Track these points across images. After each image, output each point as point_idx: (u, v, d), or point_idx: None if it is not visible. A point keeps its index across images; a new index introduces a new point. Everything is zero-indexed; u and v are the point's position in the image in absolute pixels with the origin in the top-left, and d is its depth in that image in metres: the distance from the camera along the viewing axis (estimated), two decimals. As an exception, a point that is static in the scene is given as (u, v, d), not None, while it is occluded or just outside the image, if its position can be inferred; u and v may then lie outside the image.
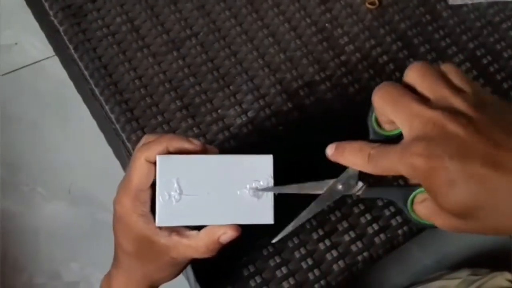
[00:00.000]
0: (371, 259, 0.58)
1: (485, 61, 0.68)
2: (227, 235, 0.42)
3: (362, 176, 0.41)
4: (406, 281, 0.80)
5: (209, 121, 0.62)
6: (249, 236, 0.57)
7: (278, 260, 0.57)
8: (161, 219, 0.41)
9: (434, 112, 0.33)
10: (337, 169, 0.41)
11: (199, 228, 0.43)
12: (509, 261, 0.77)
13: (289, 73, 0.65)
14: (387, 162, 0.36)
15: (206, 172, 0.42)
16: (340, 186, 0.42)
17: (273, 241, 0.43)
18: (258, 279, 0.56)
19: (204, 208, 0.41)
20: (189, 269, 0.58)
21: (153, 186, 0.42)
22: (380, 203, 0.59)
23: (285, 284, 0.56)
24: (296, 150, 0.59)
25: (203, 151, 0.43)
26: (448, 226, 0.36)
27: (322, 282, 0.56)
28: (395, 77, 0.66)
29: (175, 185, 0.41)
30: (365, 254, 0.58)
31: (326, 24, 0.68)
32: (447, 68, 0.37)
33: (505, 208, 0.32)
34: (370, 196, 0.42)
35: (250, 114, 0.62)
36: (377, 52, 0.67)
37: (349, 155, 0.39)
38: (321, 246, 0.57)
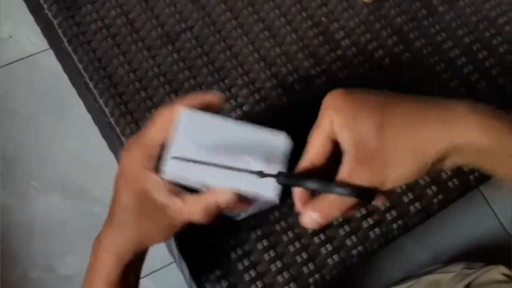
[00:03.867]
0: (366, 253, 0.58)
1: (480, 56, 0.68)
2: (224, 197, 0.42)
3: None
4: (400, 275, 0.81)
5: (204, 115, 0.61)
6: (243, 229, 0.57)
7: (272, 254, 0.57)
8: (169, 170, 0.41)
9: None
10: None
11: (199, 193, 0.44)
12: (503, 255, 0.77)
13: (285, 67, 0.65)
14: None
15: (223, 134, 0.42)
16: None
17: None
18: (252, 272, 0.56)
19: (212, 168, 0.41)
20: (183, 262, 0.58)
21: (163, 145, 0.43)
22: (375, 197, 0.60)
23: (279, 278, 0.56)
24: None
25: (224, 104, 0.45)
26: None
27: (317, 276, 0.56)
28: (391, 71, 0.66)
29: (191, 139, 0.41)
30: (359, 248, 0.58)
31: (322, 18, 0.68)
32: None
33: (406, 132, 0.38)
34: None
35: (245, 108, 0.62)
36: (373, 47, 0.67)
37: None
38: (316, 240, 0.58)
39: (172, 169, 0.41)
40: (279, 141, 0.43)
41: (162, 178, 0.43)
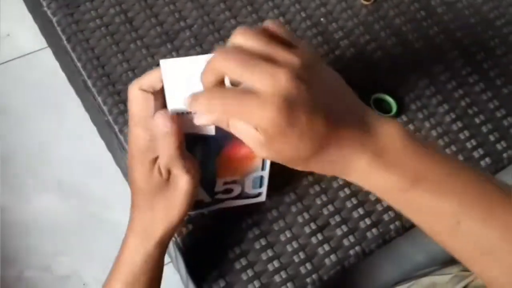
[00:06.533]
0: (363, 253, 0.58)
1: (479, 58, 0.68)
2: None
3: None
4: (397, 277, 0.81)
5: (202, 114, 0.61)
6: (241, 228, 0.57)
7: (270, 253, 0.57)
8: (170, 104, 0.42)
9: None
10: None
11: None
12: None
13: (283, 67, 0.64)
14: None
15: (203, 65, 0.42)
16: None
17: None
18: (250, 272, 0.56)
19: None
20: (180, 261, 0.58)
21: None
22: (372, 197, 0.60)
23: (277, 277, 0.56)
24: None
25: None
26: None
27: (314, 276, 0.56)
28: (390, 72, 0.66)
29: (180, 78, 0.42)
30: (357, 248, 0.58)
31: (321, 19, 0.68)
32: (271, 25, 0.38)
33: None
34: None
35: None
36: (371, 47, 0.67)
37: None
38: (314, 240, 0.57)
39: (174, 106, 0.42)
40: None
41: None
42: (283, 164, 0.39)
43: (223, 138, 0.46)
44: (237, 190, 0.52)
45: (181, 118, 0.43)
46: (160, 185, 0.45)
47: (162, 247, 0.49)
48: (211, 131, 0.45)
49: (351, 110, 0.38)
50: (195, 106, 0.38)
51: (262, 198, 0.55)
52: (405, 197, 0.39)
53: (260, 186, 0.53)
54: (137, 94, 0.43)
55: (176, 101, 0.42)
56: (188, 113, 0.43)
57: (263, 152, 0.37)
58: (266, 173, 0.51)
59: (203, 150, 0.47)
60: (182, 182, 0.45)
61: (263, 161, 0.50)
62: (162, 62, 0.43)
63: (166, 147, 0.43)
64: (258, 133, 0.36)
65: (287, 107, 0.34)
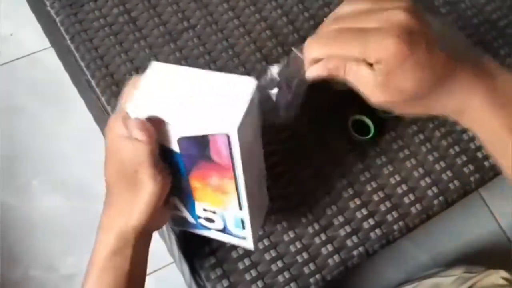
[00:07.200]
0: (367, 254, 0.58)
1: (482, 58, 0.68)
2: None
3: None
4: (400, 278, 0.80)
5: (205, 114, 0.61)
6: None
7: (273, 254, 0.57)
8: (131, 107, 0.42)
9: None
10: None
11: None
12: (503, 259, 0.77)
13: (287, 67, 0.64)
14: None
15: (187, 79, 0.43)
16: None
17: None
18: (253, 272, 0.56)
19: (173, 105, 0.41)
20: (183, 262, 0.58)
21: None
22: (376, 198, 0.59)
23: (280, 277, 0.56)
24: (294, 145, 0.58)
25: None
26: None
27: (318, 276, 0.56)
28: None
29: (153, 85, 0.42)
30: (360, 249, 0.58)
31: (324, 19, 0.68)
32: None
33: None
34: None
35: (247, 107, 0.62)
36: (375, 47, 0.67)
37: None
38: (317, 240, 0.57)
39: (133, 111, 0.42)
40: (245, 82, 0.42)
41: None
42: (399, 109, 0.39)
43: (190, 159, 0.44)
44: (219, 222, 0.50)
45: (154, 125, 0.42)
46: (128, 184, 0.45)
47: (123, 242, 0.47)
48: (176, 148, 0.43)
49: (466, 49, 0.40)
50: (312, 50, 0.38)
51: (249, 244, 0.51)
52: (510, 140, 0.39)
53: (243, 228, 0.50)
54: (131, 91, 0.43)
55: (144, 106, 0.41)
56: (159, 121, 0.41)
57: (381, 94, 0.38)
58: (246, 216, 0.48)
59: (174, 164, 0.45)
60: (146, 188, 0.44)
61: (239, 200, 0.46)
62: (154, 63, 0.43)
63: (138, 152, 0.42)
64: (375, 72, 0.37)
65: (407, 35, 0.35)
